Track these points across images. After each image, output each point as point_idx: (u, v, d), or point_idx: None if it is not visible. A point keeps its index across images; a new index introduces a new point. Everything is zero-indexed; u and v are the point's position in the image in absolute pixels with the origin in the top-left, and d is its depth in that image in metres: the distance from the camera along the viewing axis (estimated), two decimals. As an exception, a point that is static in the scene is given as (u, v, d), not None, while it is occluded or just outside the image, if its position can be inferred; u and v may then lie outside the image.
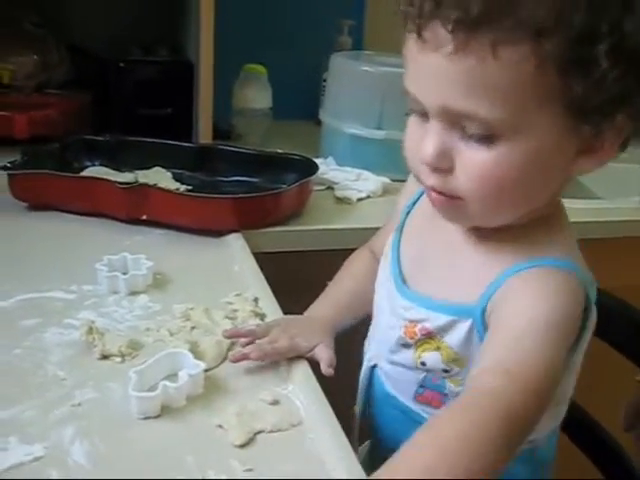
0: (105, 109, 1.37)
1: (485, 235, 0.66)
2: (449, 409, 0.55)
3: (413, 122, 0.63)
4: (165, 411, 0.63)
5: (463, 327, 0.64)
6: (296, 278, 0.96)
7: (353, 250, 0.91)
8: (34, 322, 0.77)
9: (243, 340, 0.73)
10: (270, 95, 1.46)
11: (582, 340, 0.65)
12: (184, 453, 0.59)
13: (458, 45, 0.54)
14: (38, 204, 1.06)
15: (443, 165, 0.60)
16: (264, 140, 1.47)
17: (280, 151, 1.29)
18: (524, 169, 0.58)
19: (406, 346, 0.69)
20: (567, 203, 1.34)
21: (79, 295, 0.83)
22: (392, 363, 0.72)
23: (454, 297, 0.65)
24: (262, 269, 0.93)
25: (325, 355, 0.73)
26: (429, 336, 0.67)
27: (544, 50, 0.52)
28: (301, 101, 1.57)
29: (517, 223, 0.64)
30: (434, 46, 0.55)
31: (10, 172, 1.03)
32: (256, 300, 0.84)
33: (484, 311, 0.62)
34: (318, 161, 1.34)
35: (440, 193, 0.62)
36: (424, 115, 0.61)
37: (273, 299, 0.85)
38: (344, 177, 1.28)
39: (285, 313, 0.83)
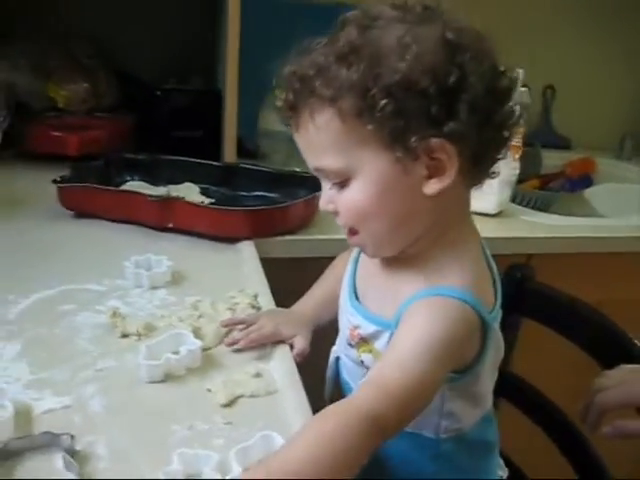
0: (145, 131, 1.55)
1: (399, 263, 0.79)
2: (324, 413, 0.64)
3: None
4: (168, 377, 0.80)
5: (385, 336, 0.78)
6: (301, 281, 1.09)
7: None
8: (71, 307, 0.94)
9: (238, 327, 0.89)
10: (293, 119, 1.62)
11: (485, 356, 0.77)
12: (179, 408, 0.75)
13: (296, 125, 0.73)
14: (82, 213, 1.24)
15: (331, 209, 0.77)
16: (287, 159, 1.62)
17: (297, 169, 1.44)
18: (376, 197, 0.71)
19: (351, 345, 0.84)
20: (572, 221, 1.46)
21: (109, 287, 1.00)
22: (347, 357, 0.87)
23: (380, 312, 0.80)
24: (271, 273, 1.08)
25: (299, 345, 0.89)
26: (363, 340, 0.81)
27: (341, 110, 0.68)
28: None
29: (420, 250, 0.76)
30: (293, 131, 0.75)
31: (60, 185, 1.22)
32: (255, 296, 0.99)
33: (397, 325, 0.74)
34: (332, 179, 1.50)
35: (348, 234, 0.78)
36: None
37: (270, 295, 1.00)
38: (352, 194, 1.43)
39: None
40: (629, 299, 1.42)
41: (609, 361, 0.96)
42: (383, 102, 0.66)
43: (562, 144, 2.12)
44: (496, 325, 0.78)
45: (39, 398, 0.74)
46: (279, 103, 0.74)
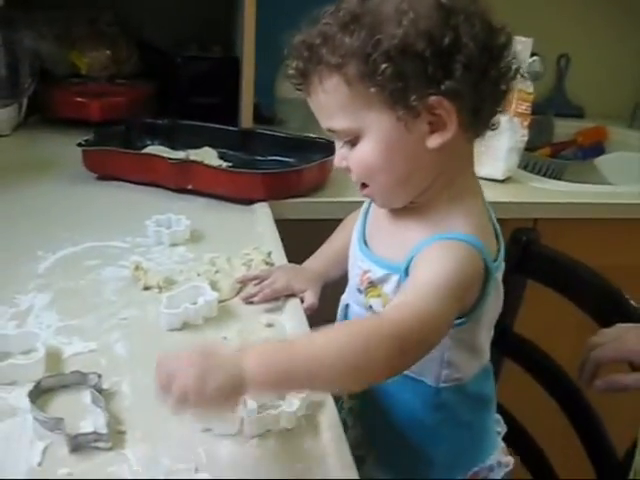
0: (164, 97, 1.60)
1: (407, 212, 0.84)
2: (352, 321, 0.78)
3: None
4: (185, 326, 0.85)
5: (393, 280, 0.82)
6: (313, 242, 1.12)
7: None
8: (96, 262, 1.00)
9: (253, 282, 0.95)
10: (308, 86, 1.65)
11: (485, 300, 0.81)
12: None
13: (307, 91, 0.78)
14: (105, 175, 1.30)
15: (344, 166, 0.82)
16: (302, 125, 1.67)
17: (312, 135, 1.49)
18: (383, 153, 0.77)
19: (360, 291, 0.88)
20: (578, 187, 1.49)
21: (132, 244, 1.06)
22: (356, 303, 0.91)
23: (390, 256, 0.84)
24: (285, 234, 1.13)
25: (309, 300, 0.95)
26: (372, 285, 0.86)
27: (346, 75, 0.73)
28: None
29: (427, 201, 0.82)
30: (304, 95, 0.80)
31: (83, 148, 1.27)
32: (269, 253, 1.04)
33: (407, 269, 0.79)
34: (346, 144, 1.54)
35: (360, 187, 0.84)
36: None
37: (283, 253, 1.06)
38: (365, 158, 1.47)
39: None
40: (634, 265, 1.45)
41: (608, 322, 1.00)
42: (383, 66, 0.71)
43: (575, 113, 2.14)
44: (498, 276, 0.83)
45: (68, 343, 0.81)
46: (291, 71, 0.79)
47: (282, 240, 1.12)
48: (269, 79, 1.64)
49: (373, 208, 0.92)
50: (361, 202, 1.25)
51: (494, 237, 0.85)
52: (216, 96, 1.57)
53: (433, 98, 0.73)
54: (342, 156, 0.81)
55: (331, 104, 0.76)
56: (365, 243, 0.90)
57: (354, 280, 0.90)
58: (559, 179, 1.80)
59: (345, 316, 0.95)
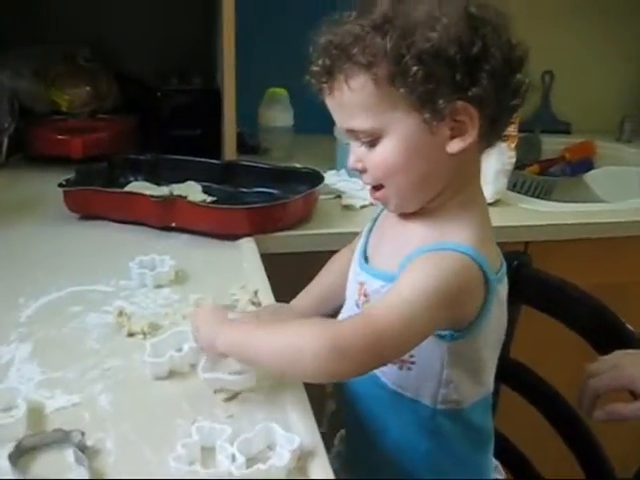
0: (146, 130, 1.59)
1: (414, 219, 0.84)
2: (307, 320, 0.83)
3: None
4: (172, 374, 0.83)
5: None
6: (301, 276, 1.10)
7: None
8: (80, 309, 0.97)
9: None
10: (291, 114, 1.65)
11: (485, 315, 0.80)
12: (183, 403, 0.78)
13: (330, 88, 0.79)
14: (87, 215, 1.28)
15: (359, 167, 0.83)
16: (288, 154, 1.66)
17: (298, 165, 1.48)
18: (403, 153, 0.78)
19: (358, 306, 0.87)
20: (569, 207, 1.48)
21: (116, 288, 1.04)
22: None
23: (387, 268, 0.84)
24: (271, 268, 1.12)
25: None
26: (367, 299, 0.85)
27: (375, 75, 0.74)
28: (322, 116, 1.74)
29: (431, 209, 0.82)
30: (324, 94, 0.80)
31: (64, 189, 1.25)
32: (256, 292, 1.02)
33: None
34: (332, 173, 1.53)
35: (373, 189, 0.84)
36: None
37: (270, 291, 1.04)
38: (351, 187, 1.46)
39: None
40: (629, 282, 1.44)
41: (603, 345, 0.99)
42: (415, 68, 0.72)
43: (562, 129, 2.13)
44: (501, 290, 0.83)
45: (50, 397, 0.78)
46: (315, 68, 0.79)
47: (269, 275, 1.10)
48: (252, 108, 1.64)
49: (377, 225, 0.92)
50: (349, 234, 1.24)
51: (497, 249, 0.85)
52: (198, 128, 1.56)
53: (460, 103, 0.74)
54: (358, 157, 0.82)
55: (355, 103, 0.77)
56: (366, 260, 0.89)
57: (352, 297, 0.89)
58: (549, 196, 1.79)
59: None
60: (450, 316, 0.77)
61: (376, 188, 0.83)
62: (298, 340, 0.73)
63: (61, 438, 0.71)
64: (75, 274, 1.07)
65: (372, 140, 0.79)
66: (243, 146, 1.60)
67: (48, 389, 0.79)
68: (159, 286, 1.04)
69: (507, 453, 1.19)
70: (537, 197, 1.73)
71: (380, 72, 0.74)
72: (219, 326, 0.79)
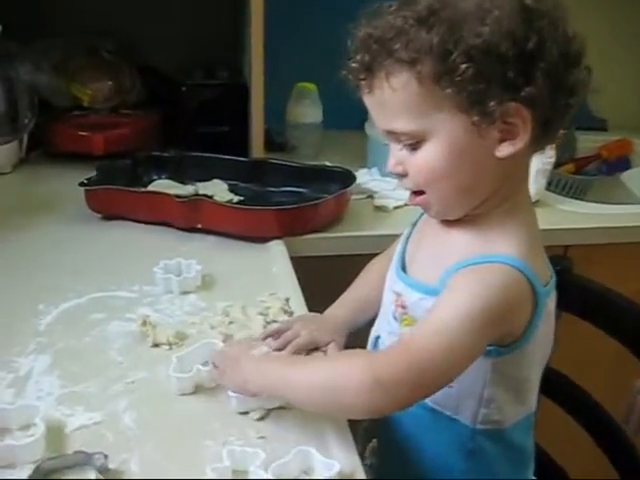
0: (171, 126, 1.54)
1: (457, 227, 0.79)
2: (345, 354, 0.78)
3: None
4: (198, 389, 0.78)
5: (429, 304, 0.76)
6: (332, 280, 1.06)
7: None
8: (101, 316, 0.93)
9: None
10: (320, 110, 1.58)
11: (533, 331, 0.75)
12: (212, 422, 0.73)
13: (370, 86, 0.73)
14: (110, 215, 1.23)
15: (399, 171, 0.77)
16: (316, 151, 1.60)
17: (328, 163, 1.42)
18: (448, 158, 0.72)
19: (395, 319, 0.82)
20: (609, 209, 1.42)
21: (139, 294, 0.99)
22: (389, 333, 0.85)
23: (427, 279, 0.78)
24: (302, 272, 1.07)
25: (333, 353, 0.86)
26: (405, 311, 0.80)
27: (419, 72, 0.68)
28: (352, 112, 1.68)
29: (475, 216, 0.77)
30: (362, 92, 0.75)
31: (86, 188, 1.20)
32: (287, 300, 0.97)
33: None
34: (363, 171, 1.47)
35: (413, 194, 0.78)
36: None
37: (302, 299, 0.98)
38: (384, 187, 1.40)
39: (318, 311, 0.95)
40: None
41: None
42: (464, 66, 0.66)
43: (598, 126, 2.05)
44: (549, 303, 0.78)
45: (71, 414, 0.74)
46: (353, 64, 0.73)
47: (299, 279, 1.05)
48: (280, 103, 1.58)
49: (417, 230, 0.87)
50: (383, 236, 1.21)
51: (546, 260, 0.80)
52: (225, 124, 1.50)
53: (512, 104, 0.69)
54: (398, 160, 0.76)
55: (397, 103, 0.71)
56: (403, 269, 0.84)
57: (388, 308, 0.84)
58: (584, 196, 1.72)
59: (375, 348, 0.88)
60: (496, 335, 0.72)
61: (417, 193, 0.78)
62: (338, 377, 0.69)
63: (83, 460, 0.67)
64: (97, 278, 1.02)
65: (414, 143, 0.73)
66: (270, 143, 1.55)
67: (68, 405, 0.75)
68: (185, 292, 0.99)
69: (544, 467, 1.15)
70: (572, 197, 1.66)
71: (425, 70, 0.68)
72: (248, 367, 0.75)
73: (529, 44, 0.67)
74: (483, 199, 0.76)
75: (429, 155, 0.73)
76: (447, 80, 0.68)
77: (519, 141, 0.70)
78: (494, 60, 0.67)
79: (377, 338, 0.88)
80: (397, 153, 0.76)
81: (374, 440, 0.95)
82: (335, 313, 0.94)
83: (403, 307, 0.80)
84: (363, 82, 0.73)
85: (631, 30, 2.01)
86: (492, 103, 0.68)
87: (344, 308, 0.95)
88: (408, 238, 0.88)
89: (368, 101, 0.75)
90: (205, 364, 0.79)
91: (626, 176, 1.85)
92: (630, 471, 1.02)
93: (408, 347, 0.69)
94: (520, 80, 0.68)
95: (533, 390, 0.83)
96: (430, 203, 0.78)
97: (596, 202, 1.53)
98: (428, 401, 0.79)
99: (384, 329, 0.86)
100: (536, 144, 0.74)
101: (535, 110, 0.69)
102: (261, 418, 0.74)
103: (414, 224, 0.89)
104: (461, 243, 0.77)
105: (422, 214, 0.88)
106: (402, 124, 0.72)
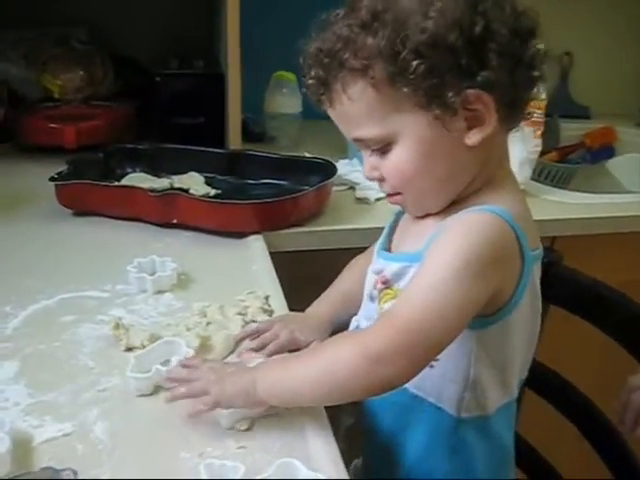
0: (145, 118, 1.49)
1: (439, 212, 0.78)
2: (334, 340, 0.73)
3: None
4: (157, 390, 0.74)
5: (412, 271, 0.74)
6: (314, 276, 1.03)
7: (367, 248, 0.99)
8: (72, 318, 0.88)
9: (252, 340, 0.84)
10: (299, 100, 1.54)
11: (520, 295, 0.73)
12: (188, 432, 0.69)
13: (330, 100, 0.73)
14: (81, 211, 1.18)
15: (376, 176, 0.77)
16: (295, 142, 1.56)
17: (308, 154, 1.38)
18: (421, 157, 0.72)
19: (372, 299, 0.81)
20: (595, 199, 1.39)
21: (112, 294, 0.94)
22: (367, 319, 0.83)
23: (409, 249, 0.78)
24: (282, 268, 1.03)
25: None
26: (387, 285, 0.78)
27: (373, 78, 0.68)
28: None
29: (466, 197, 0.75)
30: (325, 106, 0.75)
31: (56, 183, 1.15)
32: (267, 298, 0.93)
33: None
34: (344, 162, 1.44)
35: (389, 195, 0.78)
36: None
37: (282, 296, 0.94)
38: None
39: (301, 309, 0.92)
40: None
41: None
42: (415, 63, 0.66)
43: (581, 113, 2.03)
44: (536, 273, 0.77)
45: (39, 425, 0.69)
46: (310, 81, 0.73)
47: (279, 276, 1.01)
48: (257, 93, 1.54)
49: (403, 219, 0.85)
50: (366, 229, 1.18)
51: (535, 229, 0.78)
52: (201, 115, 1.46)
53: (471, 92, 0.68)
54: (372, 166, 0.76)
55: (358, 112, 0.71)
56: (387, 249, 0.83)
57: (366, 292, 0.83)
58: (568, 184, 1.70)
59: None
60: (489, 289, 0.69)
61: (392, 194, 0.78)
62: (331, 365, 0.68)
63: (51, 477, 0.62)
64: (67, 278, 0.98)
65: (383, 147, 0.73)
66: (248, 134, 1.51)
67: (36, 416, 0.71)
68: (160, 292, 0.95)
69: (533, 465, 1.12)
70: (556, 186, 1.64)
71: (378, 74, 0.68)
72: (246, 378, 0.70)
73: (476, 29, 0.66)
74: (463, 187, 0.75)
75: (399, 157, 0.72)
76: (401, 80, 0.67)
77: (487, 126, 0.70)
78: (444, 52, 0.66)
79: (356, 328, 0.85)
80: (369, 159, 0.76)
81: (356, 461, 0.93)
82: (317, 311, 0.91)
83: (384, 282, 0.78)
84: (323, 97, 0.73)
85: (613, 16, 1.99)
86: (450, 94, 0.67)
87: (326, 305, 0.92)
88: (394, 226, 0.86)
89: (332, 114, 0.75)
90: (165, 363, 0.76)
91: (611, 164, 1.84)
92: (622, 467, 1.00)
93: (393, 314, 0.68)
94: (474, 66, 0.67)
95: (516, 372, 0.81)
96: (407, 203, 0.78)
97: (582, 192, 1.50)
98: (410, 386, 0.76)
99: (362, 315, 0.85)
100: (508, 123, 0.74)
101: (496, 92, 0.69)
102: (248, 429, 0.70)
103: (400, 212, 0.86)
104: (446, 214, 0.75)
105: None
106: (367, 131, 0.72)
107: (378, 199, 1.30)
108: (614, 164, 1.82)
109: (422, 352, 0.67)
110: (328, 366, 0.68)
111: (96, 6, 1.56)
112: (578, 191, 1.51)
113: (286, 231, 1.15)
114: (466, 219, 0.71)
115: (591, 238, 1.33)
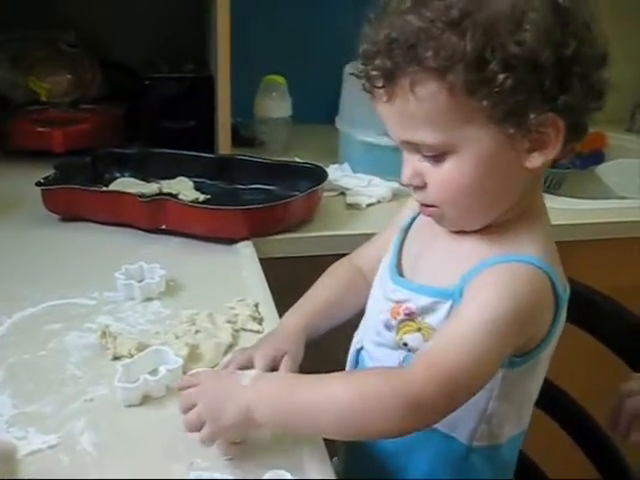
0: (133, 121, 1.47)
1: (466, 234, 0.73)
2: (369, 373, 0.70)
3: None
4: (146, 400, 0.73)
5: (444, 308, 0.70)
6: (304, 282, 1.02)
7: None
8: (58, 326, 0.87)
9: None
10: (289, 104, 1.53)
11: (551, 336, 0.71)
12: (178, 443, 0.68)
13: (390, 94, 0.66)
14: (69, 216, 1.16)
15: (417, 183, 0.70)
16: (285, 146, 1.55)
17: (298, 160, 1.37)
18: (475, 174, 0.67)
19: (389, 328, 0.76)
20: (584, 204, 1.39)
21: (99, 301, 0.93)
22: (377, 345, 0.79)
23: (437, 282, 0.72)
24: (272, 274, 1.02)
25: (286, 365, 0.78)
26: (411, 317, 0.73)
27: (450, 83, 0.62)
28: (322, 106, 1.63)
29: (501, 222, 0.71)
30: (378, 99, 0.68)
31: (43, 188, 1.14)
32: (257, 305, 0.92)
33: (461, 292, 0.69)
34: (334, 167, 1.42)
35: (423, 204, 0.72)
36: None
37: (272, 304, 0.93)
38: (356, 183, 1.35)
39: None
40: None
41: (632, 356, 0.92)
42: (502, 76, 0.61)
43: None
44: (564, 312, 0.73)
45: (23, 437, 0.68)
46: (372, 72, 0.66)
47: (269, 282, 1.00)
48: (247, 97, 1.52)
49: (412, 236, 0.82)
50: (357, 235, 1.16)
51: (560, 263, 0.74)
52: (190, 119, 1.44)
53: (550, 115, 0.64)
54: (416, 171, 0.70)
55: (421, 114, 0.65)
56: (398, 272, 0.78)
57: (377, 318, 0.78)
58: (558, 189, 1.70)
59: (357, 362, 0.83)
60: (521, 341, 0.68)
61: (428, 205, 0.72)
62: (368, 399, 0.63)
63: (35, 491, 0.61)
64: (54, 285, 0.96)
65: (437, 155, 0.67)
66: (238, 139, 1.49)
67: (21, 427, 0.69)
68: (148, 299, 0.94)
69: (523, 467, 1.12)
70: (546, 191, 1.62)
71: (457, 80, 0.62)
72: (249, 395, 0.65)
73: (567, 50, 0.62)
74: (507, 209, 0.71)
75: (455, 169, 0.67)
76: (482, 91, 0.62)
77: (551, 151, 0.66)
78: (533, 69, 0.62)
79: (359, 350, 0.83)
80: (416, 164, 0.70)
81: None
82: (286, 322, 0.86)
83: (408, 314, 0.74)
84: (381, 89, 0.66)
85: (606, 19, 1.99)
86: (532, 115, 0.63)
87: (297, 315, 0.87)
88: (401, 244, 0.82)
89: (384, 109, 0.68)
90: (153, 373, 0.75)
91: (601, 169, 1.83)
92: (610, 468, 0.99)
93: (434, 360, 0.64)
94: (555, 89, 0.63)
95: (531, 404, 0.79)
96: (445, 216, 0.72)
97: (572, 197, 1.50)
98: None
99: (370, 340, 0.80)
100: (563, 151, 0.69)
101: (569, 119, 0.65)
102: (239, 442, 0.68)
103: (406, 230, 0.83)
104: (480, 245, 0.71)
105: (413, 219, 0.83)
106: (426, 136, 0.66)
107: (369, 204, 1.29)
108: (604, 170, 1.82)
109: (460, 402, 0.65)
110: (363, 400, 0.63)
111: (85, 9, 1.54)
112: (568, 197, 1.51)
113: (276, 237, 1.14)
114: (504, 272, 0.67)
115: (581, 244, 1.33)
